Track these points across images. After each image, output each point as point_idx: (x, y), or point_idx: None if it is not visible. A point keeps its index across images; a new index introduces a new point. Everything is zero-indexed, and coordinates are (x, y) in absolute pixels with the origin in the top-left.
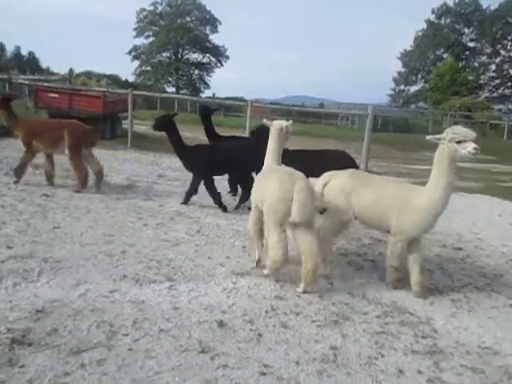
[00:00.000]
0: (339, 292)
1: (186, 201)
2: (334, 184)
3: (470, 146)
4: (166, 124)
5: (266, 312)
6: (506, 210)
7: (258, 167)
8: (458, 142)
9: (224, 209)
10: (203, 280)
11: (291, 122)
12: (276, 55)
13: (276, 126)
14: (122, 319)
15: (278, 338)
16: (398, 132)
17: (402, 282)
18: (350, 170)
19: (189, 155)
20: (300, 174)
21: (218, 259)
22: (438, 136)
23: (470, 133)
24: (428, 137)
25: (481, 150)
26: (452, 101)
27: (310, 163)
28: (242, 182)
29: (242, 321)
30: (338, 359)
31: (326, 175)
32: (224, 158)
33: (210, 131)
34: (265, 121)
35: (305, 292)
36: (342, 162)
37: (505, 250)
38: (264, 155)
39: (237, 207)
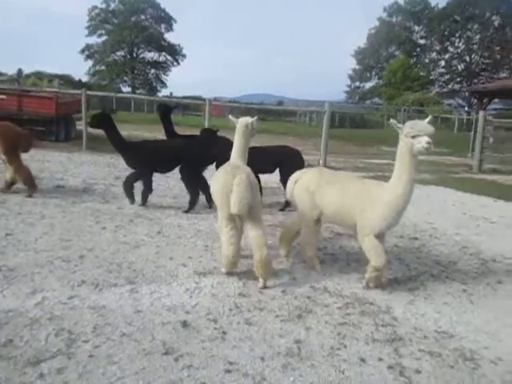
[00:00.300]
0: (301, 286)
1: (144, 202)
2: (301, 182)
3: (423, 141)
4: (103, 120)
5: (230, 310)
6: (459, 199)
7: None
8: (413, 137)
9: (131, 202)
10: (165, 281)
11: (256, 118)
12: (234, 54)
13: (242, 122)
14: (82, 326)
15: (243, 335)
16: (354, 127)
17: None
18: (317, 168)
19: (130, 151)
20: (244, 169)
21: (179, 260)
22: (399, 125)
23: (425, 127)
24: (391, 120)
25: (434, 144)
26: (405, 96)
27: (255, 159)
28: (191, 181)
29: (205, 320)
30: (301, 352)
31: (297, 173)
32: (166, 154)
33: (169, 130)
34: (230, 117)
35: (265, 287)
36: (288, 156)
37: (458, 238)
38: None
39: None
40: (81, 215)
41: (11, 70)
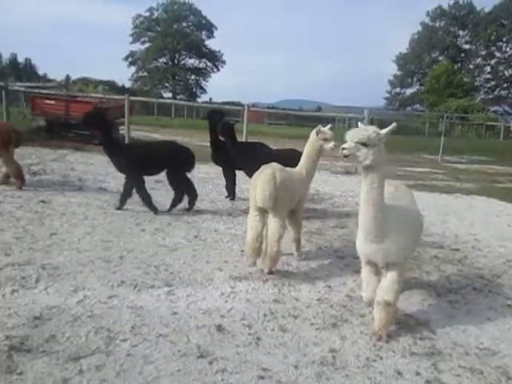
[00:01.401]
0: (337, 295)
1: (121, 205)
2: None
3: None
4: (98, 119)
5: (265, 316)
6: (504, 210)
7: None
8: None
9: (155, 211)
10: (201, 285)
11: (330, 125)
12: (272, 59)
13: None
14: (120, 325)
15: (277, 342)
16: (394, 134)
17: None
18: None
19: (120, 153)
20: (273, 167)
21: (215, 264)
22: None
23: (346, 135)
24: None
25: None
26: (448, 103)
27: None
28: (175, 183)
29: (240, 325)
30: (336, 362)
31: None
32: (153, 156)
33: (215, 138)
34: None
35: (270, 273)
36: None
37: (502, 250)
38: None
39: (169, 210)
40: (121, 217)
41: (60, 77)
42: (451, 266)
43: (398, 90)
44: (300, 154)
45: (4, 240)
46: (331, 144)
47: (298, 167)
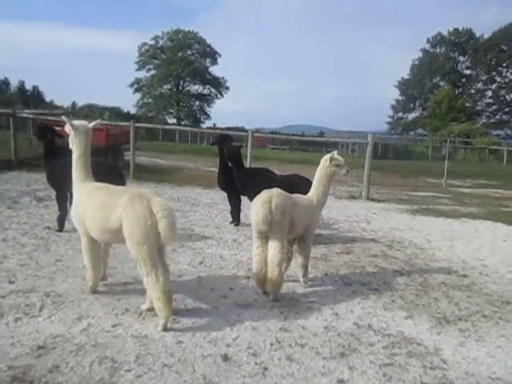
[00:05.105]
0: (344, 323)
1: (61, 227)
2: None
3: None
4: (43, 132)
5: (271, 344)
6: (510, 235)
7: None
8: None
9: (60, 229)
10: (206, 312)
11: (335, 151)
12: (275, 85)
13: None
14: (125, 354)
15: (284, 372)
16: (398, 159)
17: None
18: None
19: (47, 168)
20: (273, 192)
21: (221, 291)
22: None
23: None
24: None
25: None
26: (450, 127)
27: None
28: (58, 200)
29: (246, 354)
30: None
31: None
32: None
33: (223, 163)
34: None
35: (275, 300)
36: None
37: (511, 276)
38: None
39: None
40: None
41: (66, 103)
42: (460, 293)
43: (400, 114)
44: (303, 178)
45: (8, 267)
46: (344, 170)
47: (309, 194)
